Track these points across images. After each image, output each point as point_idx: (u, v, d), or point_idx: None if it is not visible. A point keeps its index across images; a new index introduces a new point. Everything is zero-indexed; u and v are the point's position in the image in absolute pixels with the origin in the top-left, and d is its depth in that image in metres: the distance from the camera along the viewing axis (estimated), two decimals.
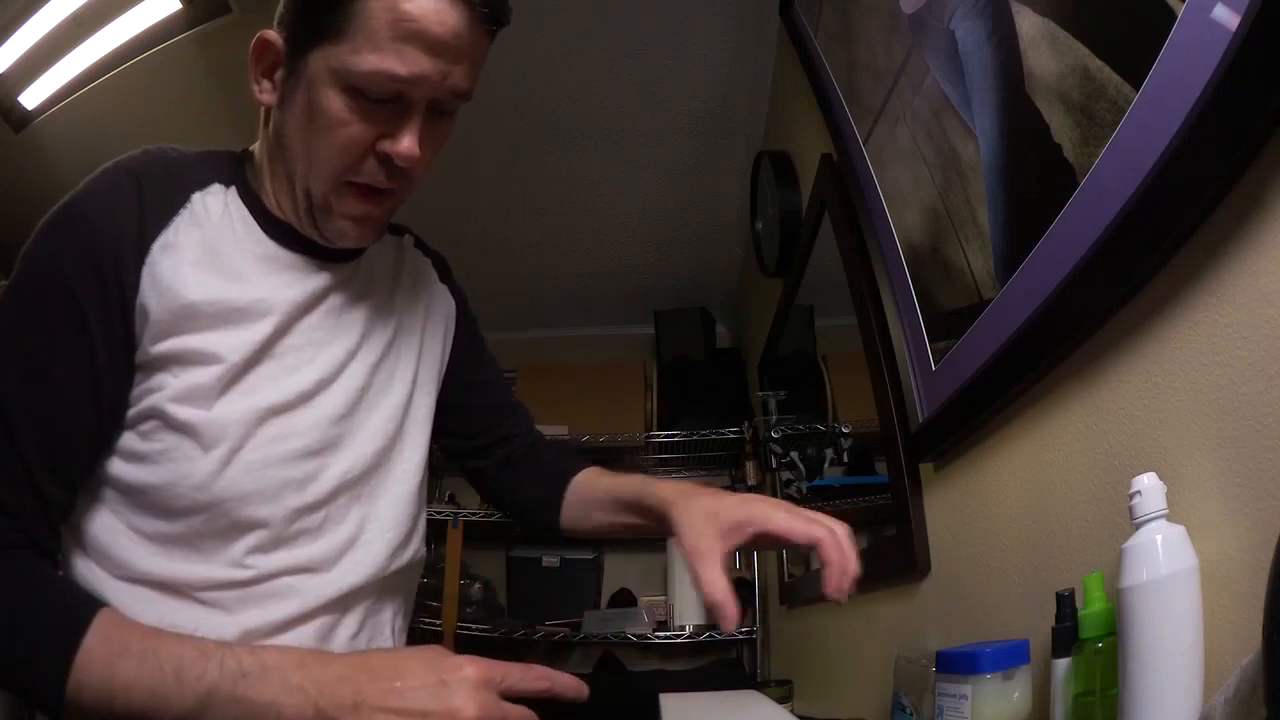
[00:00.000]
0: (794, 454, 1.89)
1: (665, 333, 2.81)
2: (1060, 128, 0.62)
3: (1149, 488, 0.47)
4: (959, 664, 0.64)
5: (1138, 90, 0.52)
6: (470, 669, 0.50)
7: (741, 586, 2.54)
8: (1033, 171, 0.67)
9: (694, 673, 2.51)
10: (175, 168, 0.64)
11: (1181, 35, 0.48)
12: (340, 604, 0.65)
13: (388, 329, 0.73)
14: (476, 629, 2.42)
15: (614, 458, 2.73)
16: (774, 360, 2.06)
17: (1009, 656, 0.62)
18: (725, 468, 2.78)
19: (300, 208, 0.65)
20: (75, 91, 1.91)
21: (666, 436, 2.61)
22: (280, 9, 0.62)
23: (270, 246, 0.66)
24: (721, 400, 2.62)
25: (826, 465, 1.61)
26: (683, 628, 2.42)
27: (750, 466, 2.43)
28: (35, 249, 0.59)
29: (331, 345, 0.67)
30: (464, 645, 2.42)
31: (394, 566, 0.69)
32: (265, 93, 0.64)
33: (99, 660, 0.50)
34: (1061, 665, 0.54)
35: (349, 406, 0.67)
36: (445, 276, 0.85)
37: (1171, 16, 0.48)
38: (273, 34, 0.62)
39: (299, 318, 0.66)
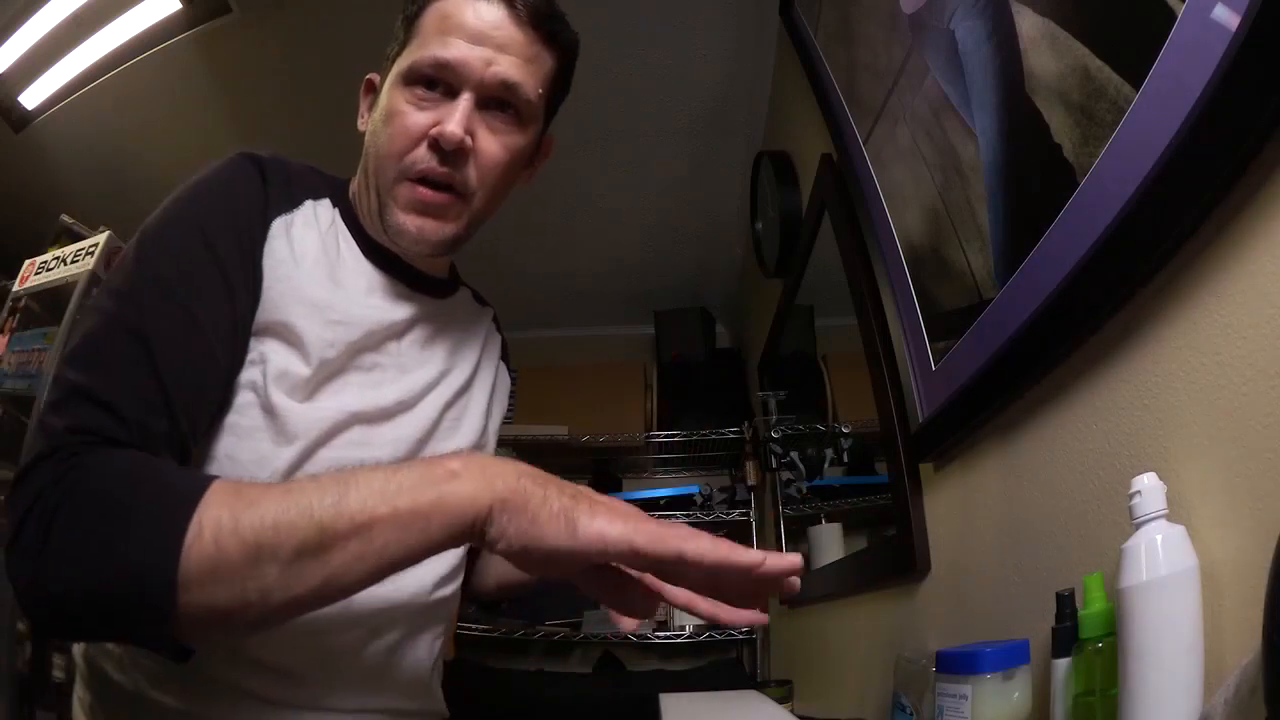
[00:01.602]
0: (794, 454, 1.89)
1: (665, 333, 2.81)
2: (1060, 128, 0.62)
3: (1149, 488, 0.47)
4: (959, 664, 0.64)
5: (1138, 90, 0.52)
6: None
7: None
8: (1033, 171, 0.67)
9: (694, 673, 2.51)
10: (293, 171, 0.68)
11: (1181, 35, 0.48)
12: (384, 615, 0.64)
13: (463, 375, 0.76)
14: (477, 629, 2.42)
15: (614, 458, 2.73)
16: (774, 360, 2.06)
17: (1009, 656, 0.62)
18: (725, 468, 2.78)
19: (374, 212, 0.68)
20: (75, 91, 1.91)
21: (666, 436, 2.61)
22: None
23: (368, 268, 0.69)
24: (721, 400, 2.62)
25: (826, 465, 1.61)
26: (683, 628, 2.42)
27: (750, 466, 2.43)
28: (172, 210, 0.60)
29: (414, 373, 0.70)
30: (464, 646, 2.42)
31: (436, 595, 0.69)
32: (363, 122, 0.72)
33: (219, 493, 0.44)
34: (1061, 665, 0.54)
35: (423, 433, 0.69)
36: (505, 356, 0.89)
37: (1171, 16, 0.48)
38: (375, 74, 0.72)
39: (387, 339, 0.69)
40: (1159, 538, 0.45)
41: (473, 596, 0.89)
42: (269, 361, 0.60)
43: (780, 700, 1.49)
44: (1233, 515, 0.45)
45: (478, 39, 0.64)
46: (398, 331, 0.69)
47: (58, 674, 1.57)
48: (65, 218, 1.90)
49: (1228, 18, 0.44)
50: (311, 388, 0.61)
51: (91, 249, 1.76)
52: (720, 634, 2.42)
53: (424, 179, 0.65)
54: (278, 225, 0.63)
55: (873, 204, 1.11)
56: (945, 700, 0.65)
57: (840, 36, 1.29)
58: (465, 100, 0.64)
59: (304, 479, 0.47)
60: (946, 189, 0.86)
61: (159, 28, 1.77)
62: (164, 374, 0.51)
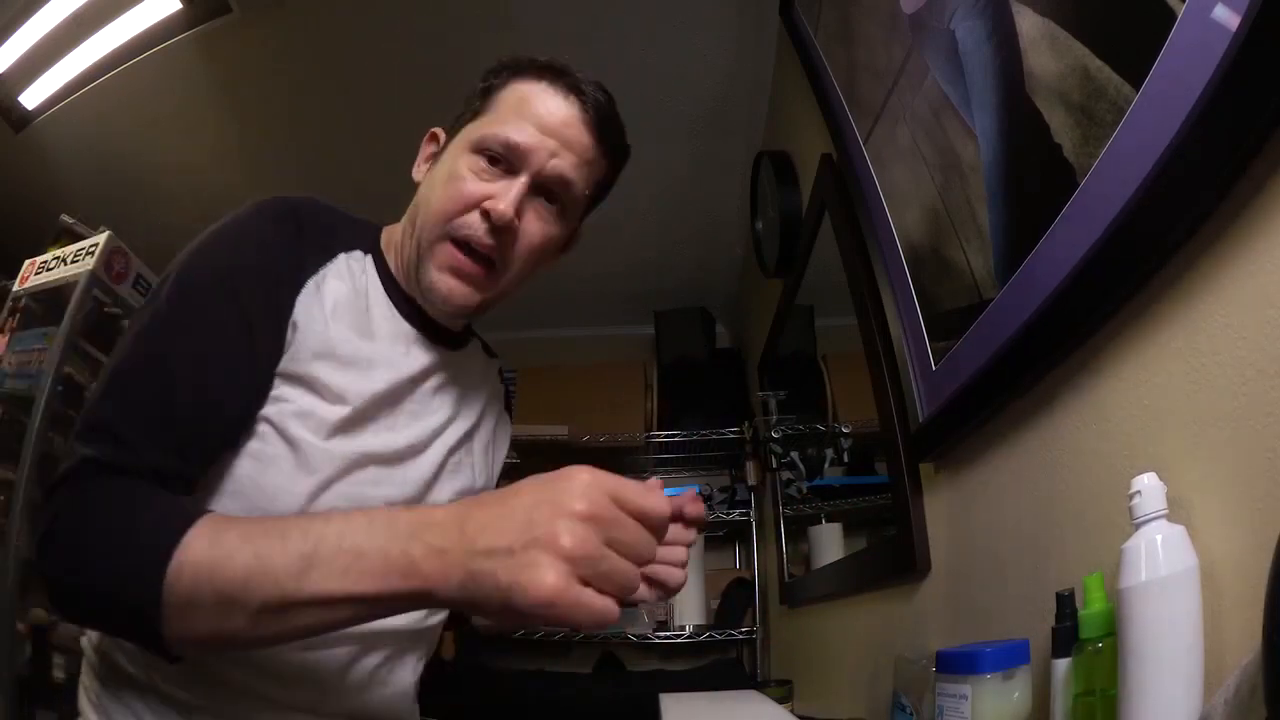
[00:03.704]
0: (794, 454, 1.89)
1: (665, 333, 2.81)
2: (1060, 128, 0.62)
3: (1149, 488, 0.47)
4: (959, 664, 0.64)
5: (1138, 90, 0.52)
6: (580, 504, 0.44)
7: (741, 586, 2.54)
8: (1033, 171, 0.67)
9: (694, 673, 2.51)
10: (330, 224, 0.72)
11: (1181, 35, 0.48)
12: (373, 639, 0.67)
13: (468, 421, 0.80)
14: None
15: (614, 458, 2.73)
16: (774, 360, 2.06)
17: (1009, 656, 0.62)
18: (725, 468, 2.79)
19: (411, 261, 0.71)
20: (75, 91, 1.91)
21: (666, 436, 2.61)
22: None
23: (395, 317, 0.73)
24: (721, 400, 2.62)
25: (826, 465, 1.61)
26: (683, 628, 2.42)
27: (750, 466, 2.43)
28: (206, 255, 0.64)
29: (423, 419, 0.74)
30: (464, 646, 2.42)
31: (427, 623, 0.74)
32: (419, 172, 0.76)
33: (202, 537, 0.48)
34: (1061, 665, 0.54)
35: (430, 476, 0.73)
36: (508, 405, 0.94)
37: (1171, 16, 0.48)
38: (440, 128, 0.77)
39: (408, 390, 0.72)
40: (1159, 538, 0.45)
41: (476, 630, 0.93)
42: (294, 401, 0.63)
43: (780, 700, 1.49)
44: (1233, 515, 0.45)
45: (548, 131, 0.69)
46: (417, 380, 0.73)
47: (58, 674, 1.57)
48: (65, 218, 1.90)
49: (1228, 18, 0.44)
50: (333, 429, 0.65)
51: (91, 249, 1.76)
52: (720, 634, 2.42)
53: (467, 244, 0.68)
54: (310, 285, 0.66)
55: (873, 204, 1.11)
56: (945, 700, 0.65)
57: (840, 36, 1.29)
58: (522, 183, 0.68)
59: (282, 528, 0.48)
60: (946, 189, 0.86)
61: (159, 28, 1.78)
62: (178, 418, 0.57)
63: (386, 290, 0.73)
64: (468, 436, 0.80)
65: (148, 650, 0.51)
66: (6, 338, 1.76)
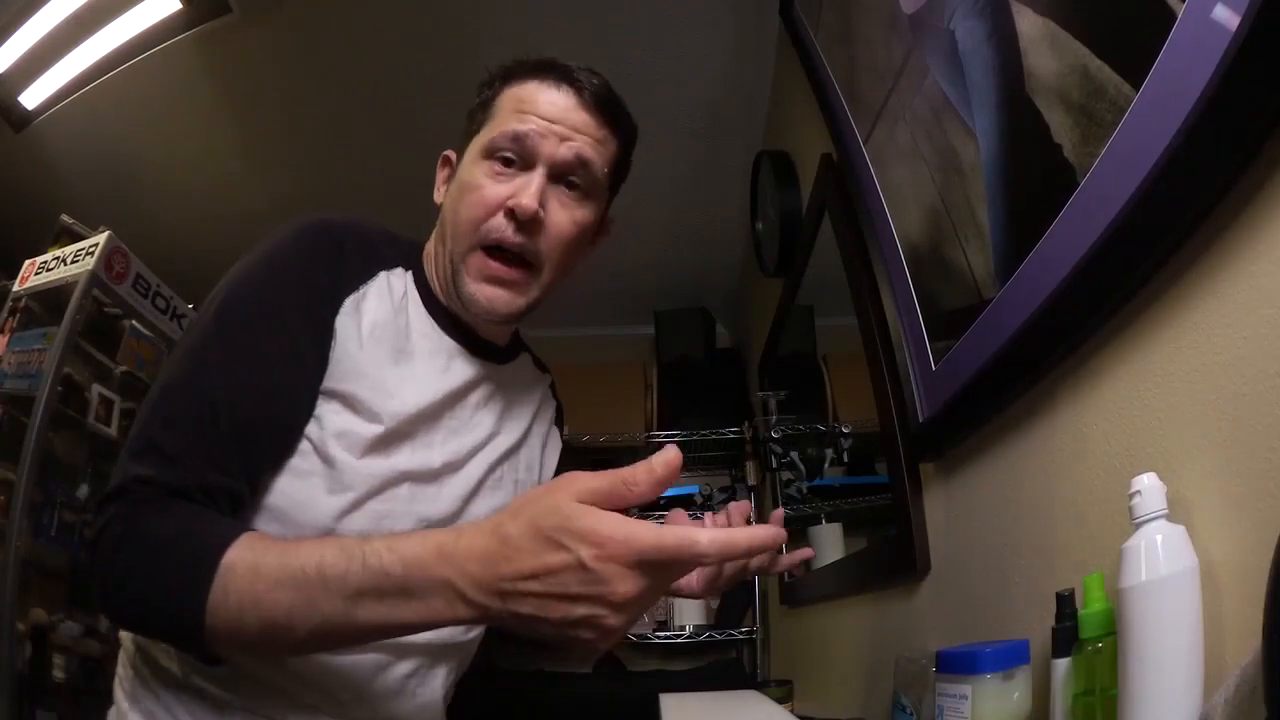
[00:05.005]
0: (794, 454, 1.89)
1: (665, 333, 2.82)
2: (1060, 128, 0.62)
3: (1149, 488, 0.46)
4: (959, 664, 0.64)
5: (1138, 90, 0.52)
6: (622, 588, 0.44)
7: (741, 586, 2.54)
8: (1033, 171, 0.67)
9: (694, 673, 2.51)
10: (371, 243, 0.72)
11: (1181, 35, 0.48)
12: (404, 648, 0.68)
13: (512, 435, 0.80)
14: None
15: (614, 458, 2.73)
16: (774, 360, 2.06)
17: (1009, 656, 0.62)
18: (725, 468, 2.78)
19: (447, 276, 0.72)
20: (75, 91, 1.91)
21: (666, 437, 2.61)
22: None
23: (435, 333, 0.73)
24: (721, 400, 2.62)
25: (826, 465, 1.61)
26: (683, 628, 2.42)
27: (750, 466, 2.43)
28: (250, 276, 0.64)
29: (463, 435, 0.74)
30: None
31: (461, 638, 0.74)
32: (439, 194, 0.77)
33: (243, 564, 0.50)
34: (1061, 665, 0.54)
35: (469, 491, 0.73)
36: (559, 420, 0.94)
37: (1171, 16, 0.48)
38: (450, 151, 0.78)
39: (447, 406, 0.72)
40: (1159, 538, 0.45)
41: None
42: (331, 419, 0.64)
43: (780, 700, 1.49)
44: (1233, 515, 0.45)
45: (553, 120, 0.69)
46: (456, 397, 0.73)
47: (58, 674, 1.57)
48: (65, 218, 1.90)
49: (1228, 18, 0.44)
50: (368, 447, 0.65)
51: (91, 249, 1.76)
52: (720, 634, 2.42)
53: (499, 247, 0.69)
54: (349, 303, 0.67)
55: (873, 204, 1.11)
56: (945, 700, 0.64)
57: (840, 36, 1.29)
58: (539, 174, 0.68)
59: (319, 565, 0.50)
60: (946, 189, 0.86)
61: (159, 28, 1.78)
62: (226, 437, 0.58)
63: (426, 305, 0.73)
64: (512, 451, 0.79)
65: (191, 656, 0.54)
66: (6, 338, 1.76)
